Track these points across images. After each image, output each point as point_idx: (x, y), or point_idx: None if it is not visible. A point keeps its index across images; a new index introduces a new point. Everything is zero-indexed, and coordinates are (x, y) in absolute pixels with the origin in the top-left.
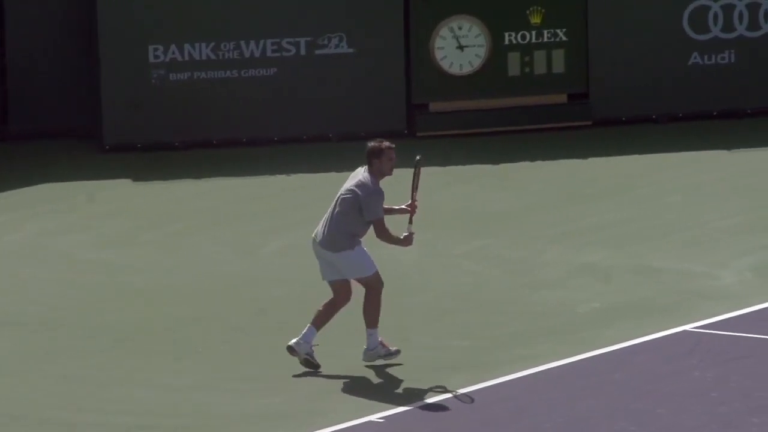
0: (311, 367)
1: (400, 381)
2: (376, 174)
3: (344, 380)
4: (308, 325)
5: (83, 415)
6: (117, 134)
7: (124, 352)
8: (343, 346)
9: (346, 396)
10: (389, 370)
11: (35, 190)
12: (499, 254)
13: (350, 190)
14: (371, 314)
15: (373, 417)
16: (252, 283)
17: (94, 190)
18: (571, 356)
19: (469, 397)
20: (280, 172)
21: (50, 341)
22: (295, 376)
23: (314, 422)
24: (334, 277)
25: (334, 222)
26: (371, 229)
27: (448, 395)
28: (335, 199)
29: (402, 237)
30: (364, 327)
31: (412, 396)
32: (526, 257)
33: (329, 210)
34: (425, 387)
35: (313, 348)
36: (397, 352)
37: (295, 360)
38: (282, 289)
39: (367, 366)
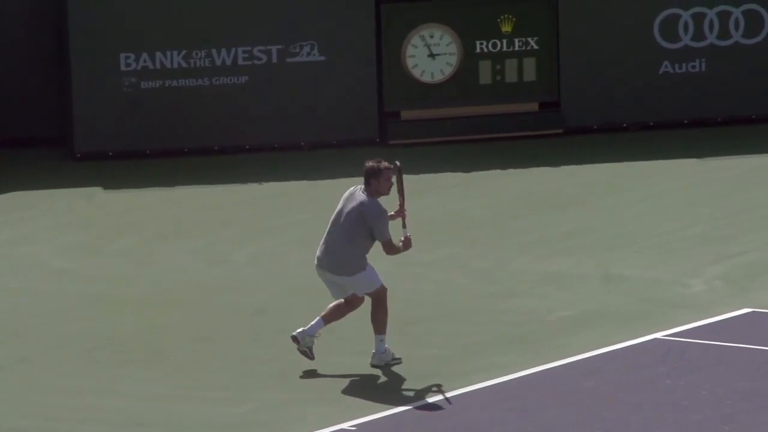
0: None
1: (371, 389)
2: (373, 193)
3: (315, 388)
4: (318, 317)
5: (52, 425)
6: (88, 142)
7: (94, 361)
8: (317, 352)
9: (317, 404)
10: (360, 379)
11: (6, 198)
12: (469, 263)
13: (353, 213)
14: (380, 322)
15: (345, 425)
16: (223, 291)
17: (65, 198)
18: (542, 364)
19: (439, 406)
20: (252, 181)
21: (19, 350)
22: (265, 384)
23: (284, 430)
24: (344, 295)
25: (340, 247)
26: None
27: (419, 403)
28: (333, 220)
29: (402, 244)
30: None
31: (383, 404)
32: (496, 265)
33: (328, 232)
34: (396, 395)
35: (315, 340)
36: (400, 359)
37: (266, 368)
38: (253, 298)
39: (338, 374)
